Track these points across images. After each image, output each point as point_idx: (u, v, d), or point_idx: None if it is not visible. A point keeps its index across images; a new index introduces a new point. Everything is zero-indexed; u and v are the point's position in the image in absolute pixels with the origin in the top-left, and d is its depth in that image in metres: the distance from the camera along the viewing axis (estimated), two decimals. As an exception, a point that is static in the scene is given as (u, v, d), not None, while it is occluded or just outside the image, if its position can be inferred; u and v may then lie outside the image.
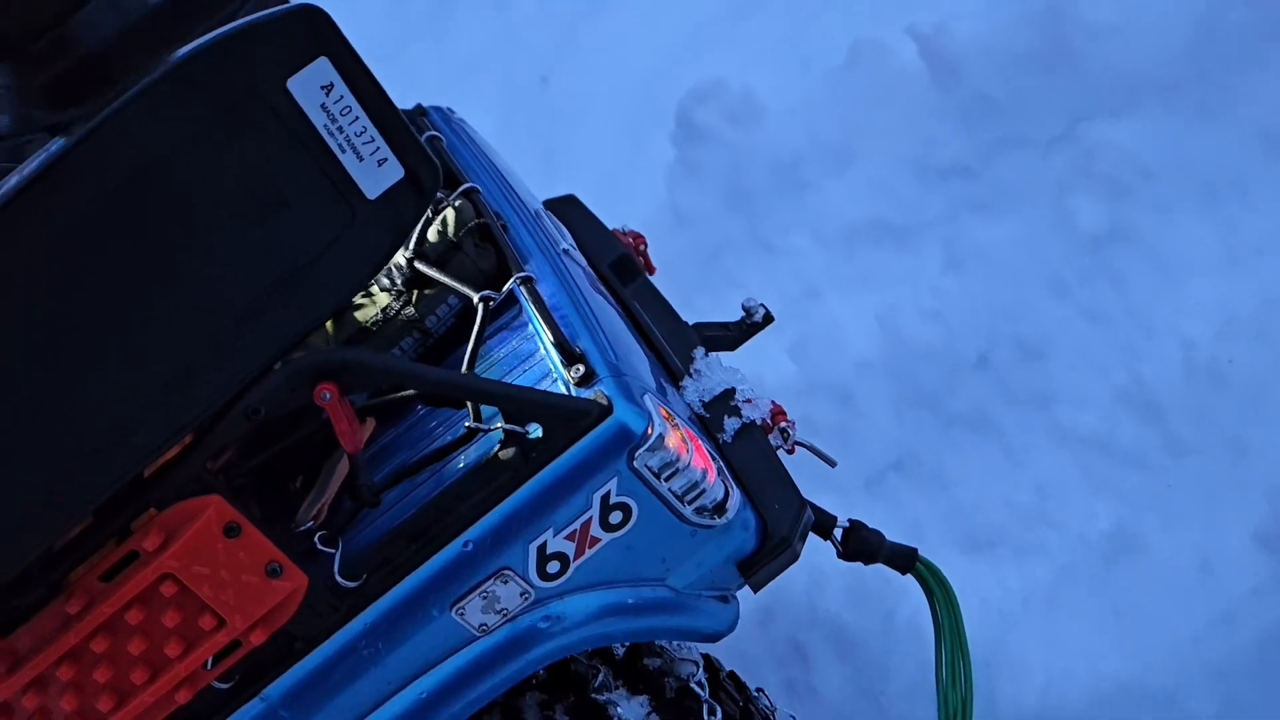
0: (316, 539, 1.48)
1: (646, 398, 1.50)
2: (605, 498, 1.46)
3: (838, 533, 1.90)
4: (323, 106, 1.25)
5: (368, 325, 1.75)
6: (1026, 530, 2.40)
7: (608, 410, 1.44)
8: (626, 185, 3.68)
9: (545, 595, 1.50)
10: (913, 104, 3.16)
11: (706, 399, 1.84)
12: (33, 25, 1.76)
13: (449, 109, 2.34)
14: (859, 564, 1.94)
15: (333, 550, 1.47)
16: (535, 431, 1.44)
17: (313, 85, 1.24)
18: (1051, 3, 2.87)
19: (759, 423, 1.81)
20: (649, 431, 1.44)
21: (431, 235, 1.74)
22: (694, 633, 1.64)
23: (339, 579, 1.44)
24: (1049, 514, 2.40)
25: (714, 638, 1.66)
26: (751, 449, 1.75)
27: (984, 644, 2.12)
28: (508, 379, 1.66)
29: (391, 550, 1.46)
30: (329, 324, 1.76)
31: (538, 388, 1.59)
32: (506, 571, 1.47)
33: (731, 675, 1.88)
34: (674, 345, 1.97)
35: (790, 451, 1.90)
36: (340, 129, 1.27)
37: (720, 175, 3.43)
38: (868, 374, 2.93)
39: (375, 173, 1.29)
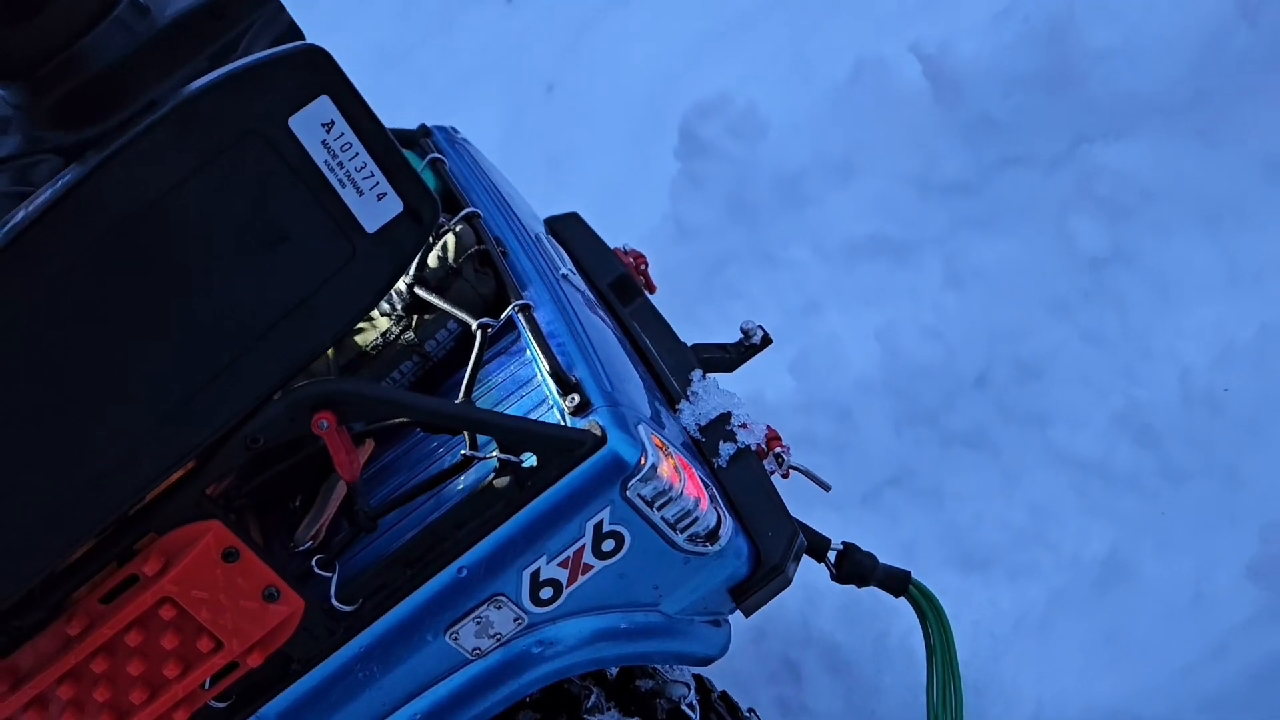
0: (314, 563, 1.50)
1: (640, 427, 1.52)
2: (598, 526, 1.48)
3: (831, 555, 1.93)
4: (324, 143, 1.27)
5: (368, 349, 1.77)
6: (1020, 551, 2.42)
7: (601, 440, 1.46)
8: (630, 197, 3.70)
9: (538, 620, 1.52)
10: (915, 121, 3.17)
11: (702, 423, 1.86)
12: (42, 47, 1.79)
13: (453, 128, 2.36)
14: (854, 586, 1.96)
15: (330, 574, 1.49)
16: (530, 460, 1.46)
17: (314, 122, 1.26)
18: (1054, 24, 2.87)
19: (754, 448, 1.83)
20: (642, 462, 1.46)
21: (432, 260, 1.76)
22: (686, 657, 1.66)
23: (335, 603, 1.47)
24: (1043, 535, 2.41)
25: (706, 661, 1.68)
26: (746, 474, 1.76)
27: (975, 667, 2.15)
28: (504, 404, 1.68)
29: (387, 575, 1.48)
30: (330, 349, 1.77)
31: (533, 415, 1.61)
32: (500, 597, 1.49)
33: (723, 696, 1.90)
34: (672, 367, 1.99)
35: (785, 476, 1.92)
36: (340, 164, 1.29)
37: (723, 188, 3.45)
38: (867, 390, 2.94)
39: (375, 207, 1.32)
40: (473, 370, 1.55)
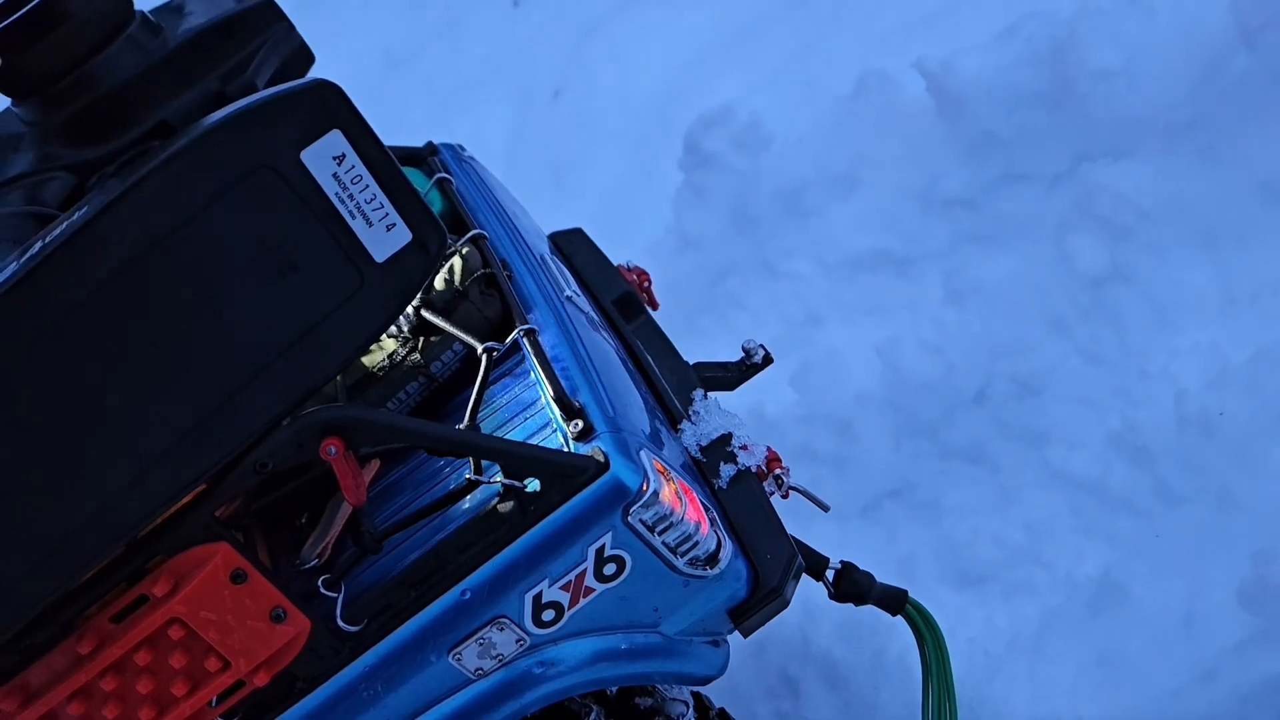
0: (320, 583, 1.53)
1: (643, 453, 1.54)
2: (600, 550, 1.51)
3: (830, 574, 1.95)
4: (334, 175, 1.30)
5: (375, 370, 1.79)
6: (1016, 568, 2.44)
7: (604, 467, 1.48)
8: (634, 206, 3.73)
9: (540, 641, 1.55)
10: (918, 136, 3.19)
11: (704, 443, 1.88)
12: (55, 65, 1.81)
13: (460, 146, 2.39)
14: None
15: (335, 594, 1.52)
16: (533, 485, 1.49)
17: (325, 156, 1.29)
18: (1056, 44, 2.89)
19: (754, 469, 1.85)
20: (644, 488, 1.49)
21: (439, 283, 1.78)
22: (686, 677, 1.68)
23: (341, 623, 1.49)
24: (1039, 553, 2.44)
25: (705, 681, 1.71)
26: (745, 497, 1.79)
27: (970, 685, 2.17)
28: (508, 426, 1.71)
29: (392, 596, 1.51)
30: (337, 368, 1.80)
31: (537, 438, 1.64)
32: (503, 619, 1.51)
33: (721, 713, 1.92)
34: (674, 386, 2.01)
35: (785, 497, 1.94)
36: (351, 196, 1.32)
37: (726, 200, 3.47)
38: (867, 404, 2.96)
39: (384, 237, 1.34)
40: (478, 394, 1.57)
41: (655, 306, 2.44)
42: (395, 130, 2.30)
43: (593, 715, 1.74)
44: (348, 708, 1.52)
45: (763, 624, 1.70)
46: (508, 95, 4.84)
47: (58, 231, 1.24)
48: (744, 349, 2.28)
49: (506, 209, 2.15)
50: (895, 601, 2.00)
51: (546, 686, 1.57)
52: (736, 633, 1.73)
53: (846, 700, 2.31)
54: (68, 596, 1.38)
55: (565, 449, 1.55)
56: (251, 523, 1.77)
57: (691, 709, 1.81)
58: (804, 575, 1.91)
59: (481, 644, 1.52)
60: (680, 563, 1.56)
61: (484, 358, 1.61)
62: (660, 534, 1.52)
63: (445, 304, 1.76)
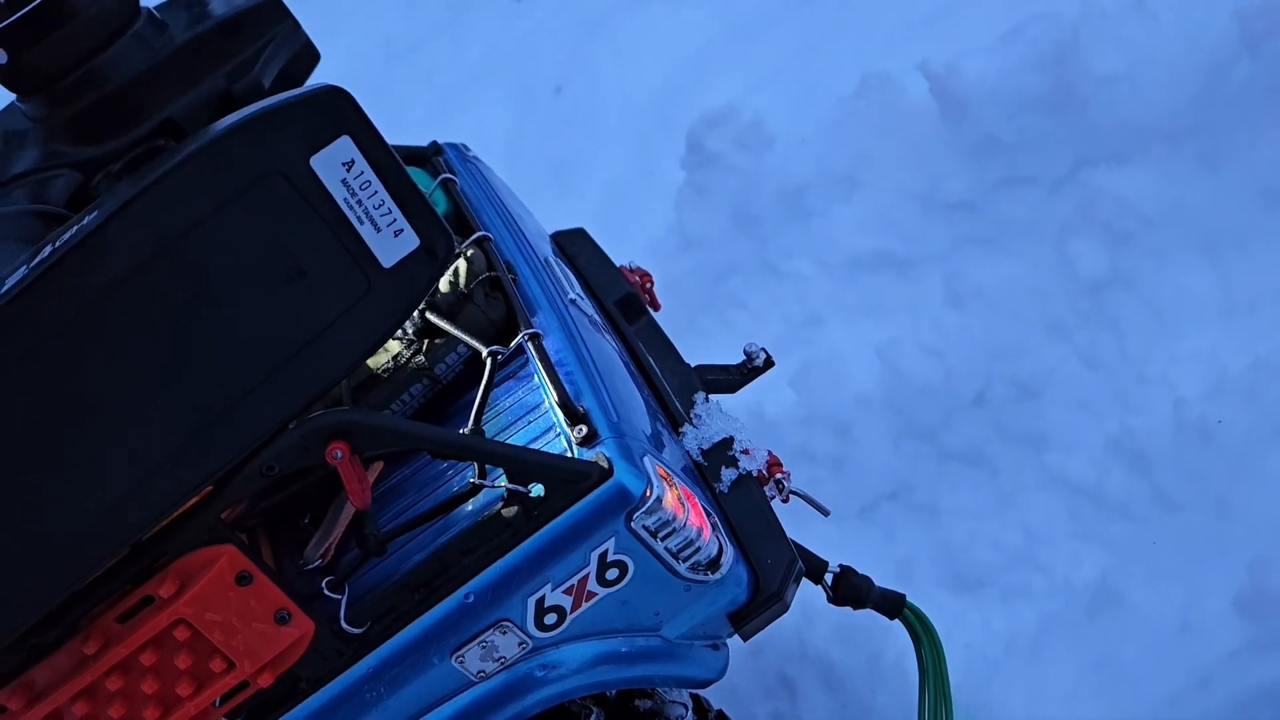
0: (324, 585, 1.53)
1: (646, 459, 1.55)
2: (603, 556, 1.52)
3: (829, 577, 1.96)
4: (343, 181, 1.30)
5: (379, 372, 1.80)
6: (1013, 572, 2.45)
7: (608, 473, 1.49)
8: (635, 205, 3.73)
9: (542, 644, 1.56)
10: (920, 138, 3.19)
11: (705, 447, 1.89)
12: (62, 61, 1.82)
13: (464, 145, 2.39)
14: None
15: (339, 596, 1.53)
16: (537, 490, 1.50)
17: (334, 162, 1.29)
18: (1060, 48, 2.90)
19: (755, 474, 1.86)
20: (647, 494, 1.50)
21: (443, 286, 1.79)
22: (686, 680, 1.69)
23: (345, 625, 1.50)
24: (1036, 558, 2.45)
25: (705, 684, 1.72)
26: (746, 501, 1.80)
27: (967, 689, 2.18)
28: (512, 429, 1.72)
29: (396, 599, 1.52)
30: (341, 369, 1.80)
31: (540, 441, 1.65)
32: (505, 623, 1.52)
33: (720, 715, 1.94)
34: (675, 388, 2.02)
35: (785, 501, 1.95)
36: (359, 202, 1.32)
37: (728, 199, 3.47)
38: (867, 405, 2.97)
39: (391, 243, 1.35)
40: (482, 397, 1.58)
41: (657, 308, 2.45)
42: (396, 125, 2.30)
43: (593, 717, 1.76)
44: (351, 709, 1.53)
45: (763, 628, 1.72)
46: (509, 91, 4.84)
47: (68, 235, 1.24)
48: (746, 352, 2.29)
49: (510, 210, 2.15)
50: (893, 605, 2.01)
51: (548, 689, 1.58)
52: (743, 642, 1.75)
53: (843, 702, 2.33)
54: (74, 597, 1.39)
55: (569, 454, 1.55)
56: (256, 524, 1.78)
57: (690, 711, 1.82)
58: (803, 579, 1.92)
59: (484, 647, 1.53)
60: (682, 568, 1.57)
61: (489, 361, 1.62)
62: (663, 539, 1.53)
63: (450, 307, 1.77)
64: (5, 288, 1.24)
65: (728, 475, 1.84)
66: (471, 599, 1.51)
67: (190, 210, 1.24)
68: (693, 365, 2.21)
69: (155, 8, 1.99)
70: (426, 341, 1.80)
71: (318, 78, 1.76)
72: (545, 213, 2.63)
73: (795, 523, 1.95)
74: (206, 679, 1.43)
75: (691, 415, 1.96)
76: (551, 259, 2.11)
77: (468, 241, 1.87)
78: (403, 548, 1.66)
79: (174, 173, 1.24)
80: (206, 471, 1.34)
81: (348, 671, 1.52)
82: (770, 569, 1.70)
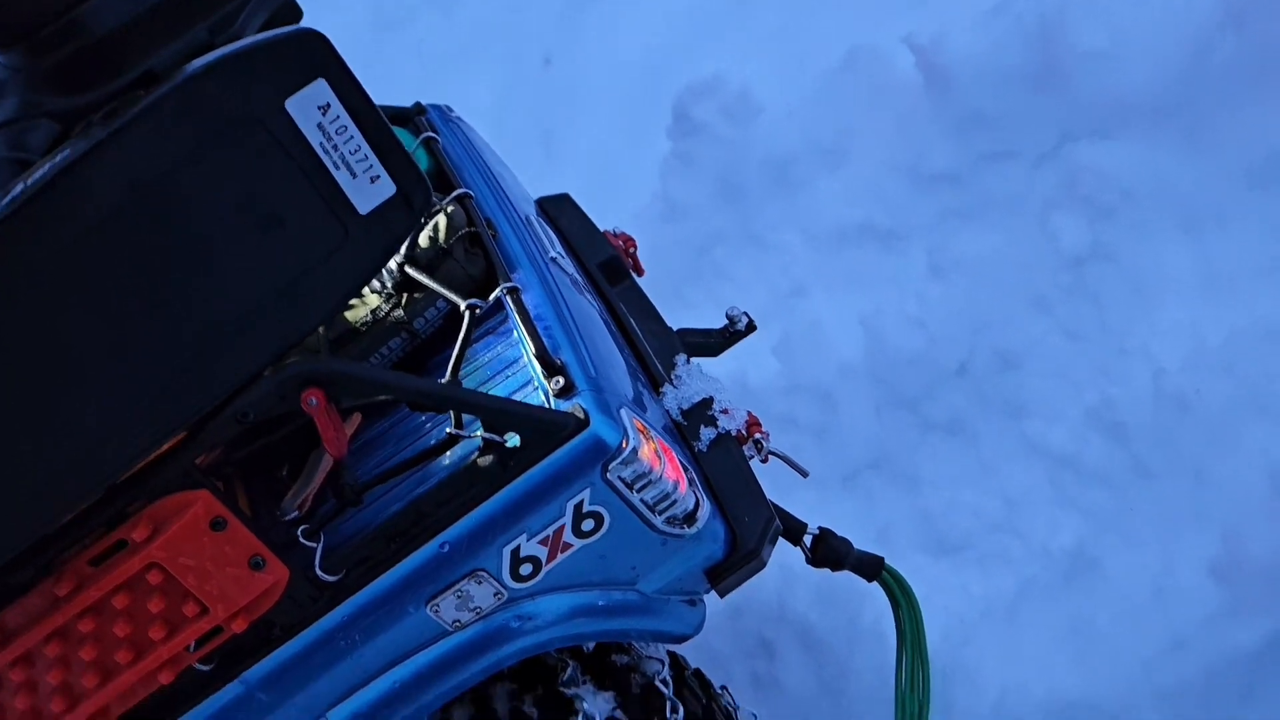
0: (299, 533, 1.53)
1: (623, 411, 1.55)
2: (578, 507, 1.52)
3: (807, 539, 1.97)
4: (319, 126, 1.29)
5: (358, 326, 1.80)
6: (992, 539, 2.47)
7: (584, 423, 1.49)
8: (621, 174, 3.72)
9: (517, 595, 1.56)
10: (906, 111, 3.20)
11: (685, 407, 1.89)
12: (43, 10, 1.80)
13: (448, 107, 2.38)
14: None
15: (315, 544, 1.53)
16: (513, 440, 1.50)
17: (310, 105, 1.28)
18: (1046, 23, 2.90)
19: (734, 433, 1.87)
20: (623, 445, 1.50)
21: (423, 240, 1.78)
22: (662, 634, 1.70)
23: (320, 572, 1.50)
24: (1014, 524, 2.47)
25: (681, 639, 1.73)
26: (725, 460, 1.80)
27: (943, 652, 2.20)
28: (490, 384, 1.72)
29: (371, 547, 1.51)
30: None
31: (518, 395, 1.65)
32: (480, 572, 1.53)
33: (697, 673, 1.95)
34: (656, 350, 2.02)
35: (764, 461, 1.96)
36: (335, 147, 1.31)
37: (714, 170, 3.47)
38: (849, 375, 2.98)
39: (368, 189, 1.34)
40: (460, 349, 1.58)
41: (640, 272, 2.45)
42: (384, 95, 2.29)
43: (570, 670, 1.76)
44: (325, 657, 1.54)
45: (739, 584, 1.72)
46: (498, 62, 4.81)
47: (38, 175, 1.23)
48: (728, 315, 2.30)
49: (493, 170, 2.15)
50: (871, 568, 2.02)
51: (523, 640, 1.59)
52: (713, 593, 1.76)
53: (821, 664, 2.34)
54: (47, 539, 1.38)
55: (546, 406, 1.55)
56: (233, 473, 1.78)
57: (667, 667, 1.83)
58: (781, 540, 1.93)
59: (459, 596, 1.54)
60: (658, 521, 1.58)
61: (466, 314, 1.62)
62: (639, 491, 1.54)
63: (429, 261, 1.77)
64: (-25, 228, 1.23)
65: (706, 434, 1.84)
66: (447, 548, 1.51)
67: (162, 152, 1.23)
68: (675, 329, 2.21)
69: (137, -41, 1.97)
70: (405, 296, 1.80)
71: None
72: (532, 182, 2.62)
73: (776, 489, 1.96)
74: (179, 623, 1.43)
75: (672, 376, 1.96)
76: (533, 218, 2.11)
77: (449, 198, 1.86)
78: (380, 499, 1.66)
79: (146, 114, 1.23)
80: (181, 417, 1.33)
81: (322, 619, 1.51)
82: (748, 526, 1.71)
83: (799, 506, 1.98)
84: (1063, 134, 2.88)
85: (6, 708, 1.40)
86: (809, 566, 2.01)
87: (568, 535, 1.54)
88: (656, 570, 1.63)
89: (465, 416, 1.55)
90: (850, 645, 2.33)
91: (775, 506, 1.84)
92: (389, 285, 1.81)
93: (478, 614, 1.56)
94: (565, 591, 1.59)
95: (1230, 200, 2.63)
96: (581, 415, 1.50)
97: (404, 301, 1.80)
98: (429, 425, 1.75)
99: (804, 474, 2.05)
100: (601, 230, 2.37)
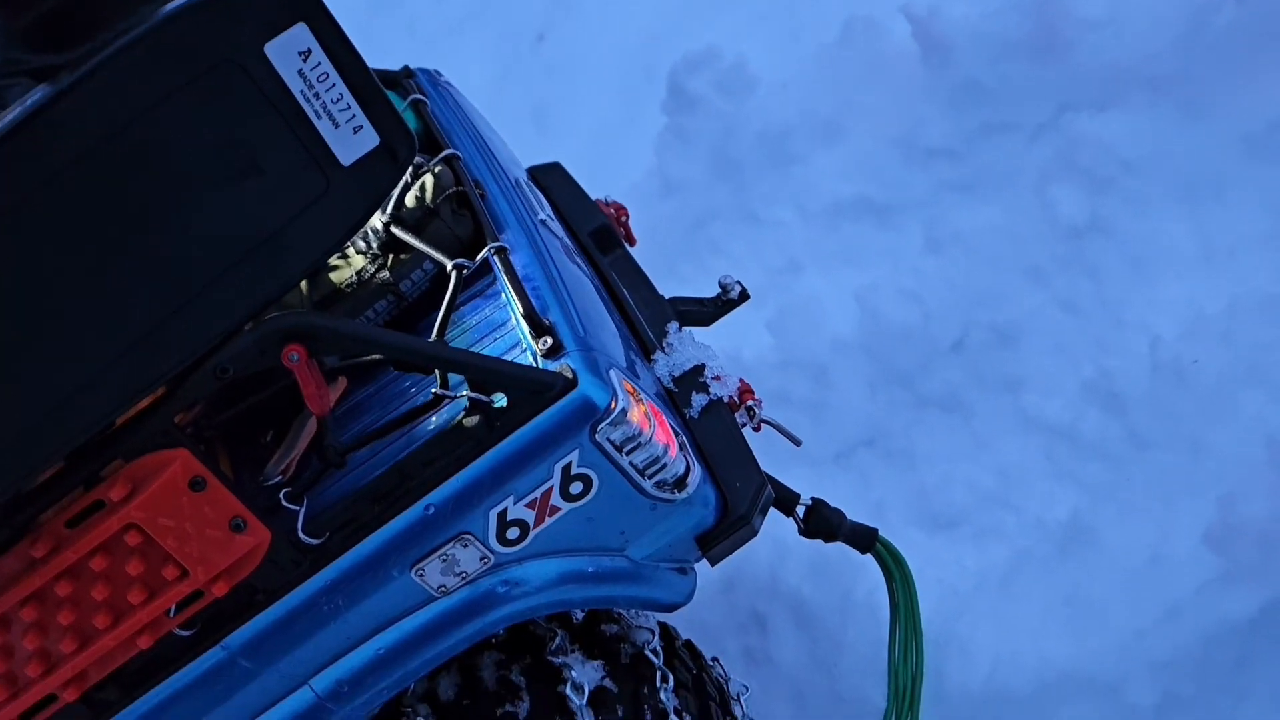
0: (282, 496, 1.51)
1: (612, 372, 1.52)
2: (566, 469, 1.49)
3: (800, 510, 1.95)
4: (300, 72, 1.26)
5: (343, 287, 1.76)
6: (987, 512, 2.45)
7: (572, 383, 1.46)
8: (616, 149, 3.68)
9: (504, 560, 1.54)
10: (903, 84, 3.16)
11: (676, 374, 1.87)
12: (19, -33, 1.76)
13: (436, 71, 2.34)
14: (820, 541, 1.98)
15: (297, 508, 1.50)
16: (500, 401, 1.47)
17: (290, 51, 1.25)
18: (1044, -8, 2.87)
19: (726, 400, 1.84)
20: (612, 406, 1.47)
21: (409, 200, 1.75)
22: (651, 603, 1.67)
23: (302, 535, 1.47)
24: (1010, 498, 2.45)
25: (670, 608, 1.70)
26: (717, 426, 1.78)
27: (937, 624, 2.18)
28: (478, 346, 1.69)
29: (355, 510, 1.49)
30: (304, 284, 1.77)
31: (506, 357, 1.62)
32: (466, 536, 1.50)
33: (688, 644, 1.92)
34: (648, 318, 1.99)
35: (756, 429, 1.93)
36: (317, 95, 1.28)
37: (709, 144, 3.44)
38: (844, 351, 2.96)
39: (350, 140, 1.31)
40: (446, 310, 1.55)
41: (633, 242, 2.42)
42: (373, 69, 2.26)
43: (558, 640, 1.74)
44: (309, 622, 1.51)
45: (730, 552, 1.70)
46: (492, 39, 4.77)
47: (10, 117, 1.20)
48: (720, 284, 2.27)
49: (482, 134, 2.12)
50: (865, 539, 2.00)
51: (511, 606, 1.56)
52: (706, 565, 1.73)
53: (814, 637, 2.32)
54: (22, 499, 1.35)
55: (534, 366, 1.52)
56: (216, 437, 1.75)
57: (657, 637, 1.80)
58: (775, 511, 1.90)
59: (444, 560, 1.51)
60: (648, 485, 1.55)
61: (453, 274, 1.58)
62: (628, 454, 1.51)
63: (416, 222, 1.73)
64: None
65: (698, 400, 1.82)
66: (432, 511, 1.48)
67: (136, 95, 1.20)
68: (667, 298, 2.18)
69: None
70: (391, 257, 1.77)
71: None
72: (526, 158, 2.59)
73: (772, 463, 1.93)
74: (159, 586, 1.40)
75: (664, 343, 1.94)
76: (523, 182, 2.08)
77: (436, 159, 1.83)
78: (365, 462, 1.63)
79: (119, 56, 1.19)
80: (159, 370, 1.30)
81: (305, 583, 1.49)
82: (739, 492, 1.68)
83: (793, 482, 1.95)
84: (1060, 105, 2.85)
85: (-18, 671, 1.37)
86: (802, 539, 1.99)
87: (556, 498, 1.51)
88: (646, 536, 1.60)
89: (452, 378, 1.52)
90: (843, 618, 2.31)
91: (768, 476, 1.81)
92: (375, 246, 1.77)
93: (464, 579, 1.53)
94: (553, 557, 1.57)
95: (1228, 170, 2.60)
96: (570, 375, 1.47)
97: (390, 263, 1.76)
98: (414, 390, 1.72)
99: (797, 442, 2.02)
100: (593, 199, 2.34)
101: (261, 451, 1.75)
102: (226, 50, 1.22)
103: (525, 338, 1.57)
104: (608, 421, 1.47)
